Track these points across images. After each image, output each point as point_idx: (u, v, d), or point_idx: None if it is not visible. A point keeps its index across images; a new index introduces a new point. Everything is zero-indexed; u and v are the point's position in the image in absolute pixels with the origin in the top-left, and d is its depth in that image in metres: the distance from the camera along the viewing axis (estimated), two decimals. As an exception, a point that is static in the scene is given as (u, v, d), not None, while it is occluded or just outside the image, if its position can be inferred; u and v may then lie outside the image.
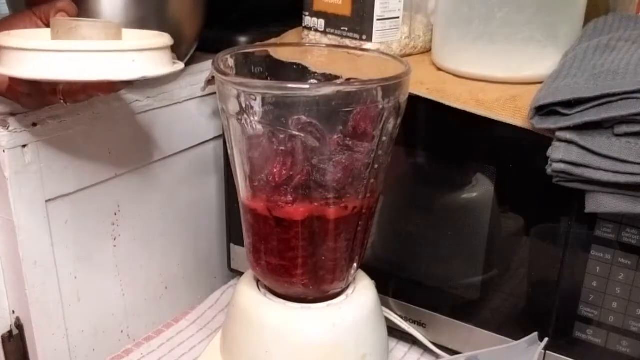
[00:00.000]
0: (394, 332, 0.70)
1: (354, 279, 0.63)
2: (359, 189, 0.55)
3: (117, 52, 0.49)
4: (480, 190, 0.62)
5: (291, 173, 0.53)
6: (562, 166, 0.51)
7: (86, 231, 0.66)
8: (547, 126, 0.52)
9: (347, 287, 0.63)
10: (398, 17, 0.68)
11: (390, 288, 0.70)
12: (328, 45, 0.69)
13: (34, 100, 0.56)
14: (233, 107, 0.53)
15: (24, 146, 0.58)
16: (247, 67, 0.61)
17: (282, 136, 0.52)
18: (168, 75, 0.53)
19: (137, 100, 0.68)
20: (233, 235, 0.82)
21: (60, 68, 0.47)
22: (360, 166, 0.54)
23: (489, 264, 0.63)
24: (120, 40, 0.53)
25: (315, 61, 0.64)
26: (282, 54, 0.64)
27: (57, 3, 0.56)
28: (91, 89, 0.55)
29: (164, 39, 0.54)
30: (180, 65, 0.55)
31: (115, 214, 0.69)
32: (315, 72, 0.63)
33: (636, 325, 0.56)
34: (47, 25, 0.56)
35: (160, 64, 0.52)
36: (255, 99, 0.52)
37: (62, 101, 0.56)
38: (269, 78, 0.62)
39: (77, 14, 0.57)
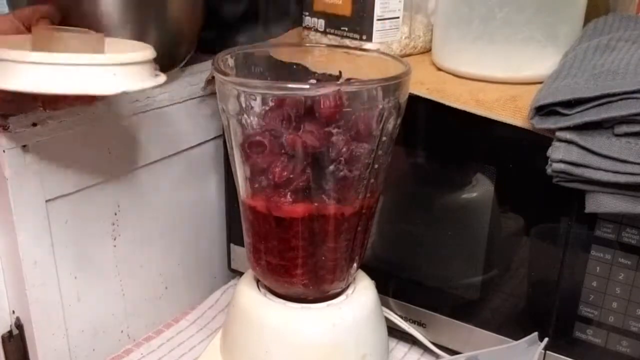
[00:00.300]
0: (394, 332, 0.70)
1: (354, 279, 0.63)
2: (359, 189, 0.55)
3: (97, 65, 0.48)
4: (480, 190, 0.62)
5: (291, 173, 0.53)
6: (562, 166, 0.51)
7: (86, 231, 0.66)
8: (547, 126, 0.52)
9: (347, 287, 0.63)
10: (398, 17, 0.68)
11: (390, 288, 0.70)
12: (328, 45, 0.69)
13: (14, 106, 0.56)
14: (233, 107, 0.53)
15: (24, 146, 0.58)
16: (247, 67, 0.61)
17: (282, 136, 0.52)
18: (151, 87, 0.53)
19: (136, 100, 0.68)
20: (233, 235, 0.82)
21: (42, 80, 0.47)
22: (360, 166, 0.54)
23: (489, 264, 0.63)
24: (102, 53, 0.53)
25: (315, 61, 0.64)
26: (282, 54, 0.64)
27: (41, 8, 0.55)
28: (71, 99, 0.55)
29: (146, 52, 0.53)
30: (162, 79, 0.54)
31: (115, 214, 0.69)
32: (315, 72, 0.63)
33: (636, 325, 0.56)
34: (28, 29, 0.55)
35: (141, 78, 0.51)
36: (255, 99, 0.52)
37: (41, 108, 0.55)
38: (269, 78, 0.62)
39: (60, 20, 0.56)
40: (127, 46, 0.57)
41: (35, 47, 0.52)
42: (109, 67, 0.49)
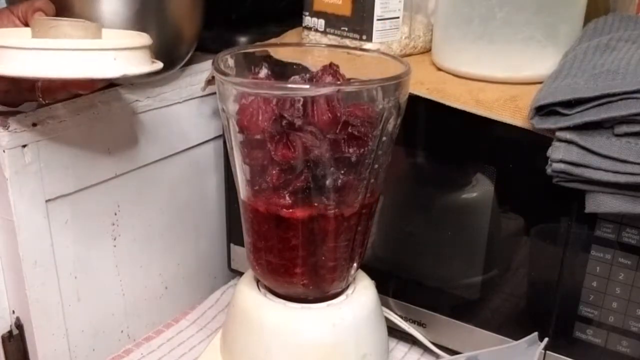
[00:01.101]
0: (394, 332, 0.70)
1: (354, 279, 0.63)
2: (359, 189, 0.55)
3: (99, 50, 0.49)
4: (480, 190, 0.62)
5: (291, 174, 0.53)
6: (562, 166, 0.51)
7: (86, 231, 0.66)
8: (547, 126, 0.52)
9: (347, 287, 0.63)
10: (398, 17, 0.68)
11: (390, 288, 0.70)
12: (328, 45, 0.69)
13: (12, 97, 0.56)
14: (233, 107, 0.53)
15: (24, 146, 0.58)
16: (247, 67, 0.61)
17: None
18: (148, 73, 0.53)
19: (137, 100, 0.68)
20: (233, 235, 0.82)
21: (43, 65, 0.48)
22: (360, 166, 0.54)
23: (489, 264, 0.63)
24: (101, 39, 0.53)
25: (315, 61, 0.63)
26: (282, 54, 0.64)
27: (35, 2, 0.55)
28: (71, 86, 0.55)
29: (144, 38, 0.54)
30: (159, 65, 0.55)
31: (115, 214, 0.69)
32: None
33: (636, 325, 0.56)
34: (25, 24, 0.56)
35: (140, 63, 0.52)
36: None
37: (40, 99, 0.55)
38: (269, 78, 0.62)
39: (54, 13, 0.57)
40: (123, 34, 0.58)
41: (35, 37, 0.52)
42: (110, 52, 0.50)
